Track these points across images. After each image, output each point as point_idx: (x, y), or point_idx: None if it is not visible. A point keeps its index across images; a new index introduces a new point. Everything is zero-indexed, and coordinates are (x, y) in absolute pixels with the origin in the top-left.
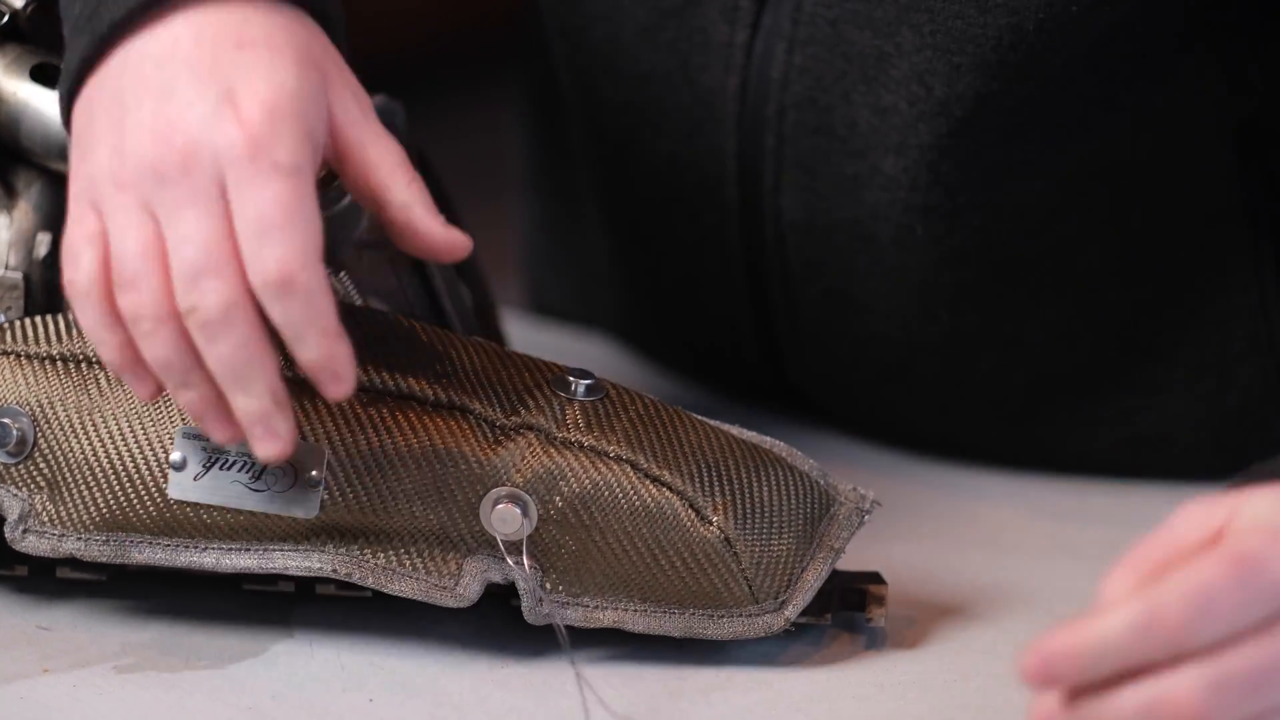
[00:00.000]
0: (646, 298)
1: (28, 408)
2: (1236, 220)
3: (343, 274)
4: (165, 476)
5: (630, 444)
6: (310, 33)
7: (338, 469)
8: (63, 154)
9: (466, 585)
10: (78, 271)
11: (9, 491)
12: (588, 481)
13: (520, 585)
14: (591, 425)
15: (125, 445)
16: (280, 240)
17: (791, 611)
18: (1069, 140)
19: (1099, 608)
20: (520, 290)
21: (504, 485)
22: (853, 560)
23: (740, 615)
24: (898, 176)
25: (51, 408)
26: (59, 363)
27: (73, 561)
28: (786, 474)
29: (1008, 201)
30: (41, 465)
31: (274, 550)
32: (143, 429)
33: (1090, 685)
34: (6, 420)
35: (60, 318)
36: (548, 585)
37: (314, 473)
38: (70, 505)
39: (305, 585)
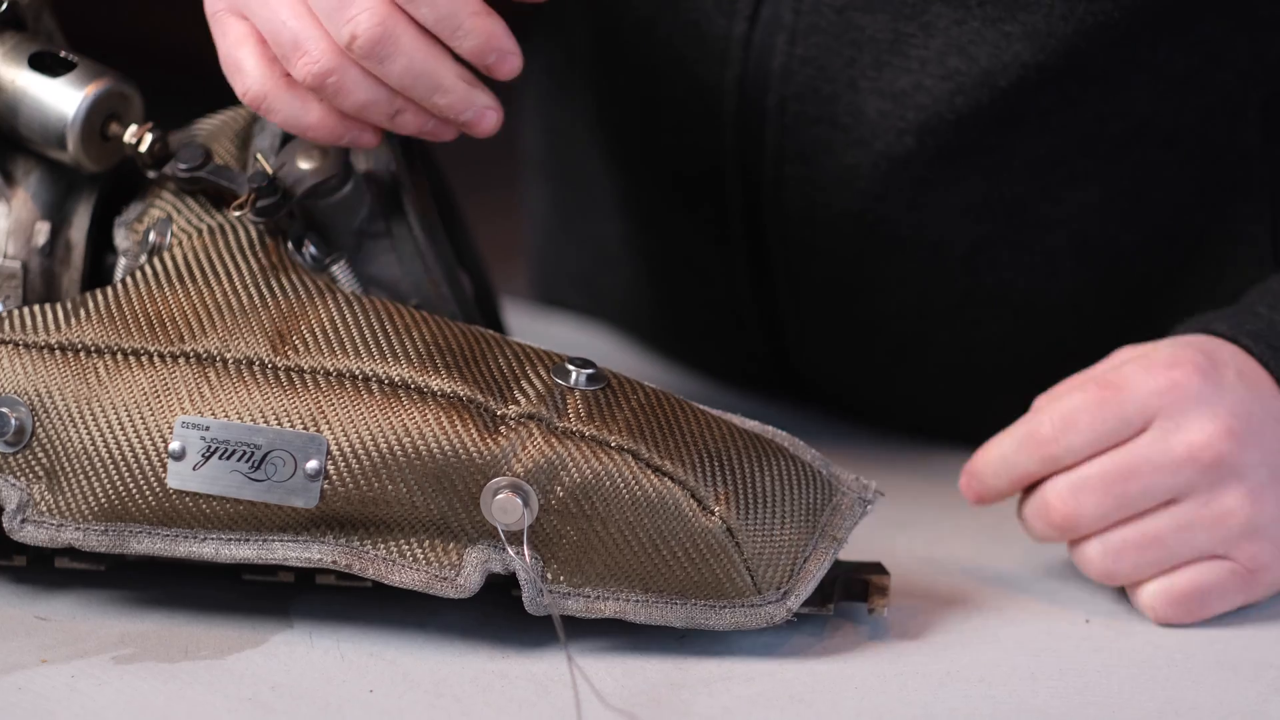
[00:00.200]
0: (652, 284)
1: (26, 397)
2: (1257, 196)
3: (343, 262)
4: (164, 466)
5: (632, 434)
6: None
7: (338, 458)
8: (60, 142)
9: (467, 576)
10: (246, 75)
11: (7, 481)
12: (589, 471)
13: (521, 576)
14: (593, 415)
15: (124, 434)
16: None
17: (794, 602)
18: (1085, 99)
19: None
20: (527, 277)
21: (505, 475)
22: (855, 551)
23: (742, 606)
24: (909, 158)
25: (50, 397)
26: (57, 351)
27: (71, 551)
28: (789, 464)
29: (1020, 157)
30: (40, 454)
31: (273, 541)
32: (141, 418)
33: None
34: (5, 409)
35: (59, 306)
36: (549, 576)
37: (314, 463)
38: (69, 495)
39: (305, 575)
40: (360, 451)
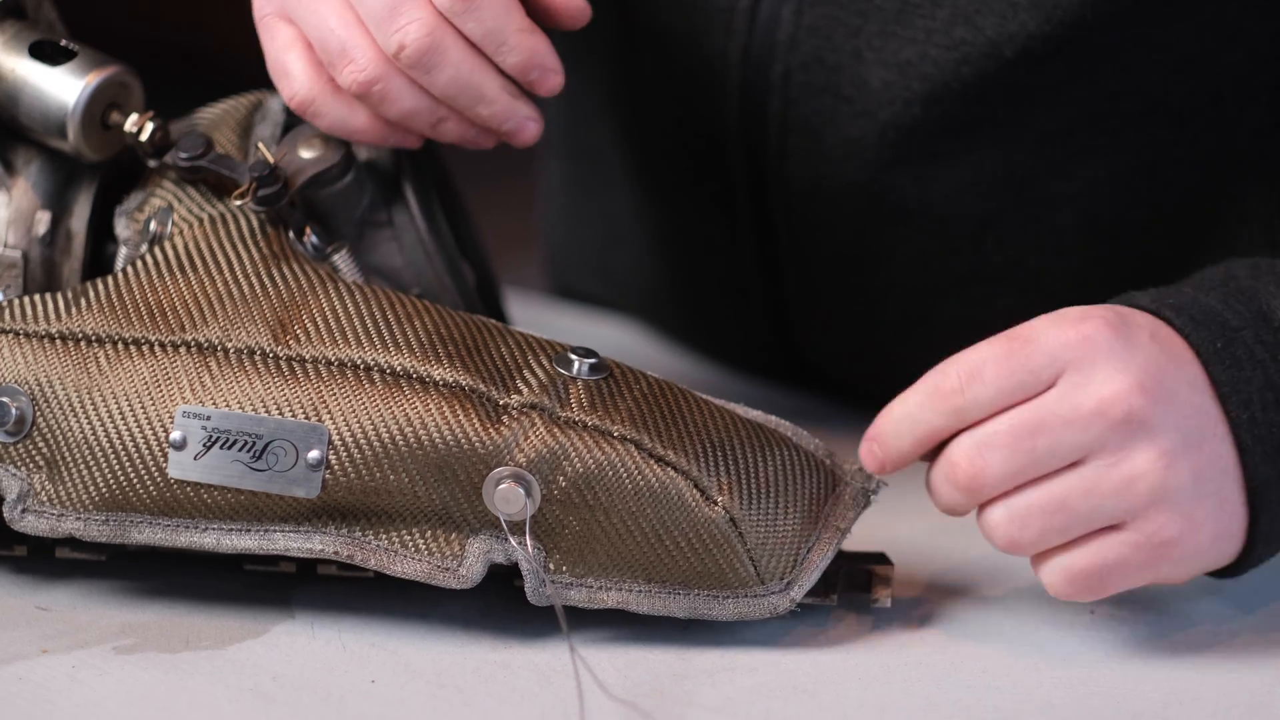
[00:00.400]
0: (661, 259)
1: (26, 386)
2: (1270, 179)
3: (345, 251)
4: (165, 455)
5: (634, 423)
6: None
7: (340, 448)
8: (61, 131)
9: (470, 566)
10: (293, 80)
11: (8, 471)
12: (591, 461)
13: (524, 566)
14: (595, 404)
15: (125, 424)
16: None
17: (797, 592)
18: (1095, 74)
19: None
20: (539, 262)
21: (507, 465)
22: (858, 541)
23: (745, 596)
24: (914, 129)
25: (50, 386)
26: (58, 341)
27: (72, 541)
28: (792, 454)
29: (1029, 131)
30: (40, 444)
31: (275, 531)
32: (142, 407)
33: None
34: (5, 399)
35: (59, 295)
36: (551, 566)
37: (316, 453)
38: (69, 485)
39: (306, 566)
40: (362, 441)
